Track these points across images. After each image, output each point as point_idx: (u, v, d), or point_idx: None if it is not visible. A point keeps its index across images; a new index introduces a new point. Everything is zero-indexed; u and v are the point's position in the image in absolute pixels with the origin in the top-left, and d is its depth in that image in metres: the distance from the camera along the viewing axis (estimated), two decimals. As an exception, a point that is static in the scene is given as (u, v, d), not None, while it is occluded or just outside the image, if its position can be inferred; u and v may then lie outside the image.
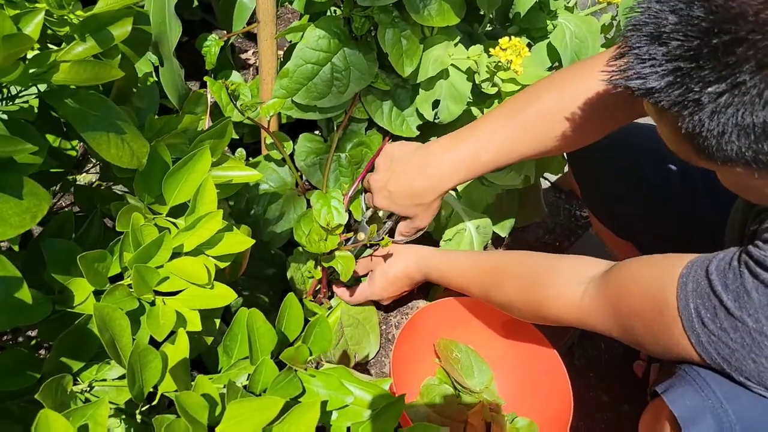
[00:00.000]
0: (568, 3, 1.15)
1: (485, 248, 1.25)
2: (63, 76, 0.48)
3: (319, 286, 1.05)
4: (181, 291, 0.55)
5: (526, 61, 0.93)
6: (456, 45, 0.99)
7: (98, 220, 0.61)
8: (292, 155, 1.02)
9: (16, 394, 0.52)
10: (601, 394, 1.17)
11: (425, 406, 1.02)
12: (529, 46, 1.12)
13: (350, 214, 1.04)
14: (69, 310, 0.52)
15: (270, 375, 0.52)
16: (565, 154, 1.12)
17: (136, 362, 0.48)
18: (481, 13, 1.00)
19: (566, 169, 1.18)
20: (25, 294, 0.45)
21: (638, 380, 1.16)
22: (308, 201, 1.03)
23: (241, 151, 1.12)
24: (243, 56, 1.53)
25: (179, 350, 0.51)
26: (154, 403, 0.51)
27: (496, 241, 1.36)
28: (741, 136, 0.52)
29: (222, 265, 0.57)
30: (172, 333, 0.52)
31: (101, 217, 0.62)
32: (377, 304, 1.12)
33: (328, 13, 0.95)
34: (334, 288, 1.09)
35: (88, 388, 0.53)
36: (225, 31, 1.29)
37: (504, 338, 1.07)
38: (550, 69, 1.15)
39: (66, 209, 0.66)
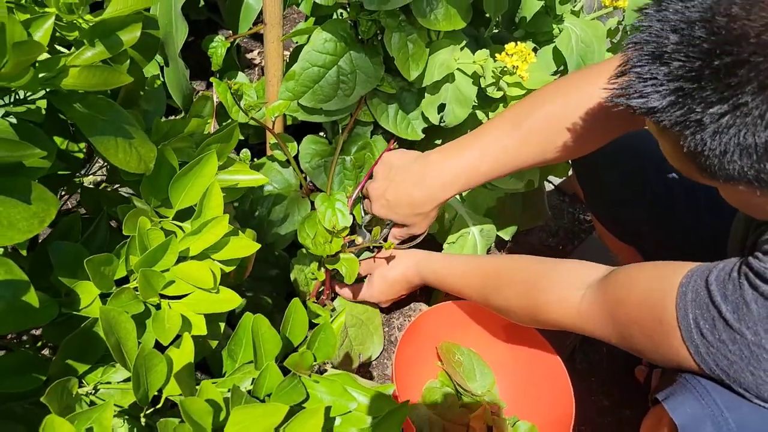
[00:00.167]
0: (574, 7, 1.15)
1: (488, 251, 1.26)
2: (72, 81, 0.48)
3: (322, 287, 1.05)
4: (186, 295, 0.55)
5: (532, 66, 0.93)
6: (462, 49, 0.99)
7: (105, 223, 0.61)
8: (296, 157, 1.02)
9: (20, 396, 0.53)
10: (603, 398, 1.17)
11: (427, 408, 1.02)
12: (535, 50, 1.13)
13: (354, 216, 1.04)
14: (75, 312, 0.53)
15: (274, 380, 0.52)
16: (569, 158, 1.12)
17: (141, 366, 0.48)
18: (488, 16, 1.00)
19: (570, 172, 1.18)
20: (32, 297, 0.45)
21: (640, 385, 1.16)
22: (312, 203, 1.03)
23: (245, 152, 1.12)
24: (248, 56, 1.53)
25: (184, 354, 0.51)
26: (159, 406, 0.51)
27: (500, 244, 1.37)
28: (743, 156, 0.52)
29: (227, 269, 0.57)
30: (178, 337, 0.52)
31: (108, 219, 0.62)
32: (378, 306, 1.12)
33: (335, 17, 0.95)
34: (336, 288, 1.09)
35: (93, 391, 0.53)
36: (231, 32, 1.30)
37: (506, 342, 1.07)
38: (555, 73, 1.15)
39: (72, 211, 0.67)
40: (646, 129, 0.96)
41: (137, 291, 0.53)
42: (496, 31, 1.14)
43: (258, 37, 1.54)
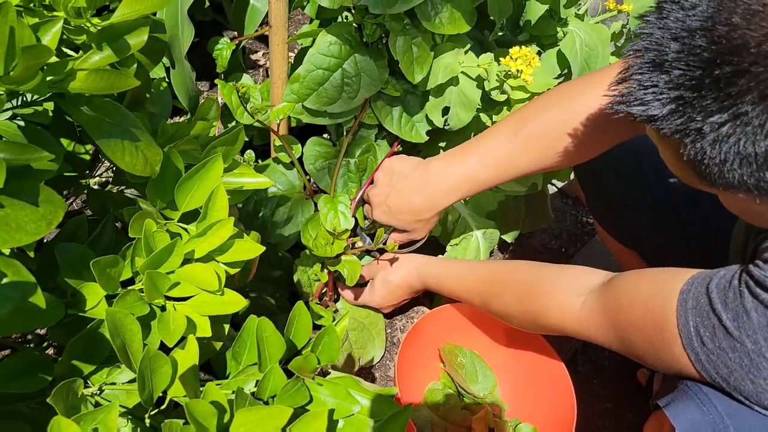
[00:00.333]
0: (578, 11, 1.15)
1: (491, 254, 1.26)
2: (80, 85, 0.48)
3: (325, 289, 1.06)
4: (191, 297, 0.55)
5: (536, 70, 0.93)
6: (466, 52, 0.99)
7: (111, 225, 0.61)
8: (300, 159, 1.02)
9: (26, 396, 0.53)
10: (605, 401, 1.17)
11: (429, 410, 1.03)
12: (539, 53, 1.13)
13: (356, 219, 1.04)
14: (81, 314, 0.53)
15: (278, 383, 0.53)
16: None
17: (146, 367, 0.48)
18: (492, 20, 1.00)
19: (573, 175, 1.18)
20: (39, 299, 0.45)
21: (642, 388, 1.16)
22: (316, 204, 1.03)
23: (250, 153, 1.12)
24: (253, 57, 1.54)
25: (189, 356, 0.51)
26: (163, 407, 0.52)
27: (503, 247, 1.37)
28: (743, 165, 0.52)
29: (232, 271, 0.57)
30: (183, 338, 0.53)
31: (114, 221, 0.62)
32: (380, 311, 1.12)
33: (340, 20, 0.96)
34: (339, 289, 1.10)
35: (99, 392, 0.53)
36: (236, 33, 1.30)
37: (508, 344, 1.08)
38: (559, 77, 1.15)
39: (79, 212, 0.67)
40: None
41: (143, 293, 0.53)
42: (501, 34, 1.14)
43: (263, 39, 1.54)
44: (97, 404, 0.53)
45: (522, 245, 1.40)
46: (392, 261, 1.04)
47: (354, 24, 0.91)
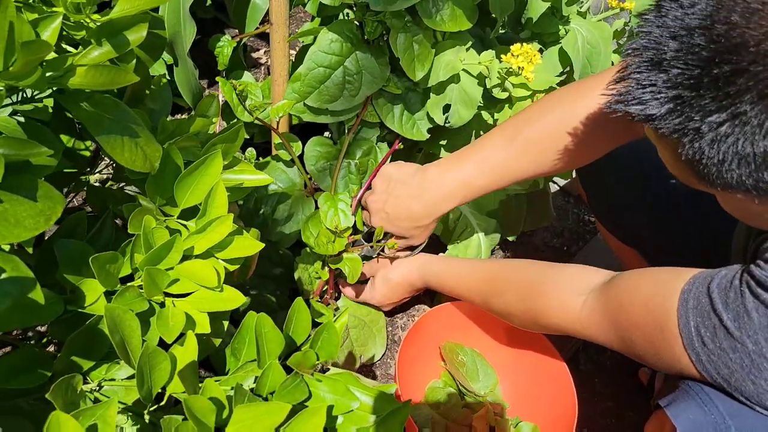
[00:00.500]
0: (580, 8, 1.15)
1: (493, 252, 1.26)
2: (79, 80, 0.48)
3: (326, 287, 1.06)
4: (190, 293, 0.55)
5: (537, 67, 0.93)
6: (468, 50, 0.99)
7: (110, 221, 0.61)
8: (301, 156, 1.02)
9: (26, 392, 0.53)
10: (606, 400, 1.17)
11: (430, 408, 1.03)
12: (541, 51, 1.12)
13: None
14: (80, 310, 0.53)
15: (277, 379, 0.52)
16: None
17: (145, 364, 0.48)
18: (493, 17, 1.00)
19: (575, 174, 1.18)
20: (38, 294, 0.45)
21: (643, 387, 1.16)
22: (317, 202, 1.03)
23: (251, 151, 1.12)
24: (254, 55, 1.54)
25: (188, 352, 0.51)
26: (162, 403, 0.52)
27: (504, 245, 1.37)
28: (741, 165, 0.51)
29: (231, 268, 0.57)
30: (182, 335, 0.53)
31: (113, 217, 0.62)
32: (381, 309, 1.12)
33: (341, 17, 0.96)
34: (340, 287, 1.10)
35: (98, 388, 0.53)
36: (237, 31, 1.30)
37: (509, 342, 1.07)
38: (561, 74, 1.15)
39: (79, 209, 0.67)
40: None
41: (142, 289, 0.53)
42: (502, 32, 1.14)
43: (264, 37, 1.54)
44: (96, 400, 0.53)
45: (524, 243, 1.39)
46: (392, 259, 1.04)
47: (355, 21, 0.91)
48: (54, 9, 0.49)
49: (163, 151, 0.56)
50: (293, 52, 1.32)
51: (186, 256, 0.55)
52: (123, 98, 0.64)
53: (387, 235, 1.00)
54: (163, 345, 0.51)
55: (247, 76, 1.26)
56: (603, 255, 1.31)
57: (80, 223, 0.59)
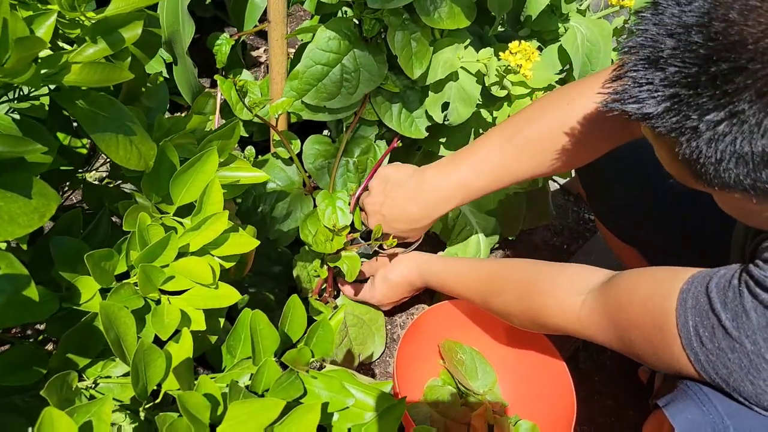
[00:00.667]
0: (580, 6, 1.15)
1: (492, 251, 1.25)
2: (74, 78, 0.48)
3: (325, 285, 1.06)
4: (186, 290, 0.55)
5: (536, 65, 0.93)
6: (466, 47, 0.99)
7: (106, 218, 0.62)
8: (299, 154, 1.02)
9: (21, 389, 0.53)
10: (606, 398, 1.17)
11: (428, 407, 1.02)
12: (540, 49, 1.12)
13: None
14: (76, 307, 0.53)
15: (272, 376, 0.52)
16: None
17: (140, 361, 0.48)
18: (492, 15, 1.00)
19: (574, 173, 1.18)
20: (32, 292, 0.45)
21: (643, 386, 1.16)
22: (315, 200, 1.03)
23: (250, 149, 1.12)
24: (254, 54, 1.54)
25: (183, 349, 0.51)
26: (158, 400, 0.52)
27: (504, 244, 1.36)
28: (739, 164, 0.51)
29: (227, 265, 0.57)
30: (177, 332, 0.53)
31: (109, 215, 0.63)
32: (380, 308, 1.12)
33: (339, 15, 0.95)
34: (339, 285, 1.10)
35: (93, 385, 0.53)
36: (236, 29, 1.30)
37: (508, 341, 1.07)
38: (561, 72, 1.15)
39: (75, 206, 0.67)
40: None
41: (137, 286, 0.53)
42: (501, 29, 1.14)
43: (264, 35, 1.54)
44: (92, 397, 0.53)
45: (523, 242, 1.39)
46: (391, 257, 1.04)
47: (353, 19, 0.91)
48: (49, 6, 0.49)
49: (159, 149, 0.56)
50: (292, 50, 1.32)
51: (181, 254, 0.55)
52: (119, 96, 0.64)
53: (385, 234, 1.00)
54: (159, 342, 0.51)
55: (247, 75, 1.26)
56: (603, 254, 1.31)
57: (76, 220, 0.59)
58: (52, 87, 0.53)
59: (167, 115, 0.75)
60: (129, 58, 0.55)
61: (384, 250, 1.03)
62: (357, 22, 0.91)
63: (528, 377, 1.05)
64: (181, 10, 1.02)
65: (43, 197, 0.46)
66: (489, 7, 0.97)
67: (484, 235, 1.15)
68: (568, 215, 1.48)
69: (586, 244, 1.41)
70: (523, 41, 0.92)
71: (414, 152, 1.16)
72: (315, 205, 1.03)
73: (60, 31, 0.52)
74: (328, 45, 0.90)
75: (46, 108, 0.58)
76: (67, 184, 0.67)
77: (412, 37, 0.91)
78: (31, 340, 0.67)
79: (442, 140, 1.09)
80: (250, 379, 0.54)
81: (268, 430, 0.47)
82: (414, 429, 0.64)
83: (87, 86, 0.50)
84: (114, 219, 0.64)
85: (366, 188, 1.01)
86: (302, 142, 1.02)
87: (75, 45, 0.52)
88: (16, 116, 0.52)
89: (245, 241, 0.57)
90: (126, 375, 0.54)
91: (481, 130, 1.07)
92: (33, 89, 0.54)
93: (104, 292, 0.55)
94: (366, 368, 1.10)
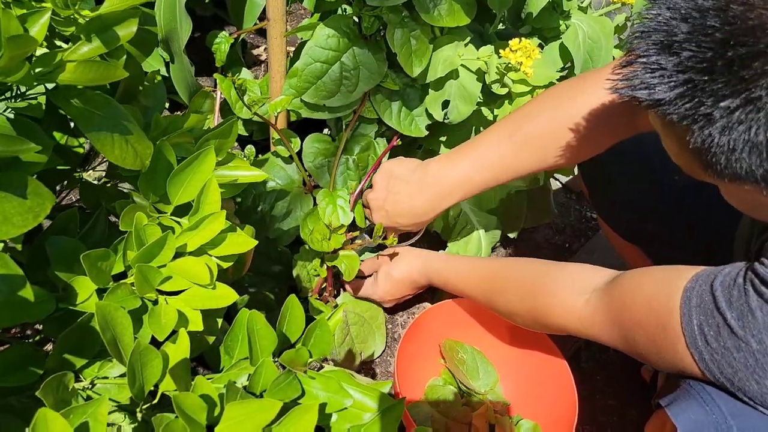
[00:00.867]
0: (581, 3, 1.14)
1: (494, 249, 1.25)
2: (69, 76, 0.48)
3: (324, 284, 1.05)
4: (183, 290, 0.55)
5: (537, 62, 0.92)
6: (466, 45, 0.98)
7: (103, 218, 0.61)
8: (299, 152, 1.02)
9: (18, 390, 0.53)
10: (608, 397, 1.16)
11: (429, 406, 1.02)
12: (541, 46, 1.11)
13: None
14: (72, 308, 0.53)
15: (270, 376, 0.52)
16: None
17: (137, 361, 0.48)
18: (493, 12, 0.99)
19: (577, 170, 1.17)
20: (27, 292, 0.45)
21: (646, 385, 1.15)
22: (315, 199, 1.03)
23: (250, 148, 1.12)
24: (254, 52, 1.53)
25: (180, 350, 0.51)
26: (155, 401, 0.52)
27: (505, 242, 1.36)
28: (752, 154, 0.49)
29: (225, 265, 0.57)
30: (174, 332, 0.52)
31: (106, 214, 0.62)
32: (382, 306, 1.12)
33: (338, 12, 0.95)
34: (342, 283, 1.09)
35: (90, 386, 0.53)
36: (236, 27, 1.30)
37: (510, 340, 1.07)
38: (562, 70, 1.14)
39: (73, 205, 0.67)
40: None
41: (134, 286, 0.53)
42: (502, 27, 1.13)
43: (264, 33, 1.53)
44: (88, 398, 0.53)
45: (525, 240, 1.39)
46: (392, 256, 1.03)
47: (353, 17, 0.90)
48: (43, 4, 0.49)
49: (156, 148, 0.56)
50: (292, 48, 1.31)
51: (179, 254, 0.55)
52: (116, 94, 0.63)
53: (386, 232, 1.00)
54: (156, 343, 0.51)
55: (246, 73, 1.25)
56: (605, 252, 1.30)
57: (72, 220, 0.59)
58: (49, 86, 0.52)
59: (166, 113, 0.74)
60: (124, 56, 0.54)
61: (386, 247, 1.02)
62: (356, 19, 0.91)
63: (530, 376, 1.04)
64: (179, 8, 1.02)
65: (38, 197, 0.45)
66: (489, 4, 0.96)
67: (485, 234, 1.14)
68: (570, 213, 1.47)
69: (588, 243, 1.40)
70: (523, 39, 0.91)
71: (414, 150, 1.15)
72: (315, 204, 1.02)
73: (57, 31, 0.52)
74: (327, 43, 0.89)
75: (43, 107, 0.58)
76: (64, 183, 0.67)
77: (412, 35, 0.90)
78: (30, 340, 0.67)
79: (443, 138, 1.08)
80: (247, 380, 0.54)
81: (266, 431, 0.47)
82: (415, 429, 0.64)
83: (82, 85, 0.50)
84: (111, 218, 0.64)
85: (365, 186, 1.01)
86: (302, 141, 1.02)
87: (70, 43, 0.51)
88: (11, 115, 0.52)
89: (243, 241, 0.57)
90: (123, 375, 0.54)
91: (481, 128, 1.06)
92: (29, 88, 0.54)
93: (101, 292, 0.54)
94: (367, 368, 1.10)
